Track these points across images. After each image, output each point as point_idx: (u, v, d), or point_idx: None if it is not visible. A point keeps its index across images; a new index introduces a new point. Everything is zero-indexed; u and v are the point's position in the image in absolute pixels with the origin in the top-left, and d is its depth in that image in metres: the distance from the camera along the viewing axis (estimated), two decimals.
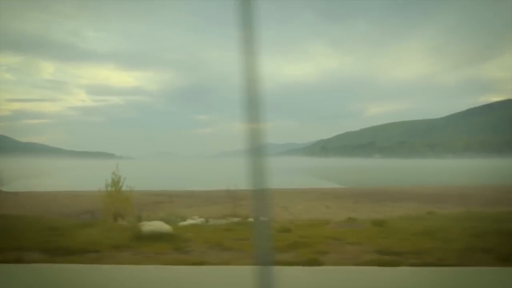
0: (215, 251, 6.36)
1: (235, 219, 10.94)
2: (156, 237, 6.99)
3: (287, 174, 62.58)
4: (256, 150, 2.50)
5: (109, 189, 12.33)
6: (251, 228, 3.11)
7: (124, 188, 12.54)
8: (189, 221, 11.30)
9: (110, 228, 8.42)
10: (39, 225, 8.46)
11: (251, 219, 9.56)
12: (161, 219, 8.89)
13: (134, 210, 11.93)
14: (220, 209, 14.43)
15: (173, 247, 6.51)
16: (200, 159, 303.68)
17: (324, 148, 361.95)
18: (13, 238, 6.70)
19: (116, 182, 12.43)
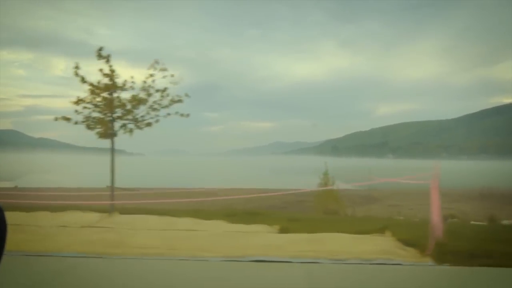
0: None
1: None
2: None
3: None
4: None
5: (321, 187, 12.70)
6: None
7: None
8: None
9: None
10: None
11: None
12: None
13: (345, 207, 11.95)
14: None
15: None
16: (211, 157, 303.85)
17: (335, 147, 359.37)
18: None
19: (326, 180, 12.70)
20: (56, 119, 8.79)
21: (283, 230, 6.81)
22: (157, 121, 8.95)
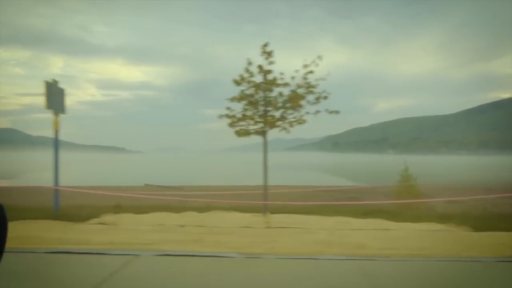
0: None
1: None
2: None
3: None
4: None
5: (401, 183, 12.38)
6: None
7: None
8: None
9: None
10: None
11: None
12: None
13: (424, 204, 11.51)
14: None
15: None
16: (210, 154, 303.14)
17: (335, 143, 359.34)
18: None
19: (407, 177, 12.46)
20: (220, 117, 8.84)
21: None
22: (305, 119, 8.69)
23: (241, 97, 8.52)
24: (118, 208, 8.49)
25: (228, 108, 8.67)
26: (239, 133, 8.70)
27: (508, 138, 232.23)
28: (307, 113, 8.56)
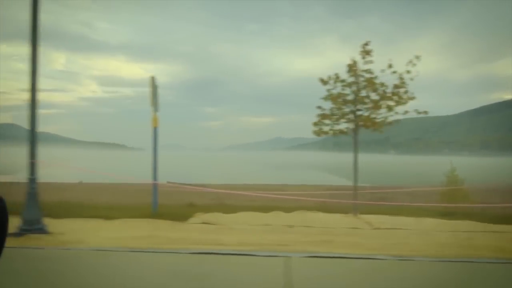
0: None
1: None
2: None
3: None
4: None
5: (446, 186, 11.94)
6: None
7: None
8: None
9: None
10: None
11: None
12: None
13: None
14: None
15: None
16: (210, 152, 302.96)
17: (337, 143, 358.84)
18: None
19: (453, 179, 12.06)
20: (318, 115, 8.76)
21: None
22: (396, 120, 8.69)
23: (338, 96, 8.49)
24: (207, 208, 8.51)
25: (319, 107, 8.68)
26: (317, 133, 8.75)
27: (510, 139, 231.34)
28: (396, 113, 8.54)
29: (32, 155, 6.01)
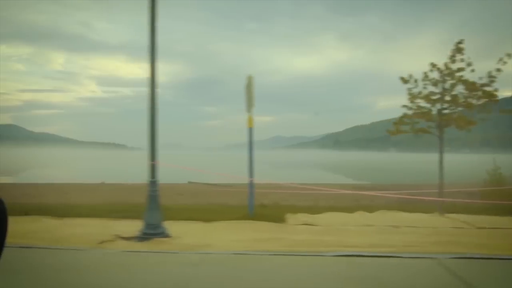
0: None
1: None
2: None
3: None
4: None
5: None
6: None
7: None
8: None
9: None
10: None
11: None
12: None
13: None
14: None
15: None
16: (210, 151, 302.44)
17: (337, 141, 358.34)
18: None
19: (498, 177, 11.69)
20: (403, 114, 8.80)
21: None
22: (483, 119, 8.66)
23: (427, 95, 8.44)
24: (292, 208, 8.47)
25: (405, 106, 8.63)
26: (395, 131, 8.77)
27: (510, 136, 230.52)
28: (480, 112, 8.48)
29: (152, 157, 5.92)
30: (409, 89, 8.60)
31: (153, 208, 5.63)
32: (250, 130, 7.69)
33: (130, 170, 48.35)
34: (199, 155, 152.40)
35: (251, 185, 7.43)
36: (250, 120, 7.64)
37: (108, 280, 3.72)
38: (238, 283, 3.69)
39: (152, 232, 5.49)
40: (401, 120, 8.80)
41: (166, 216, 6.07)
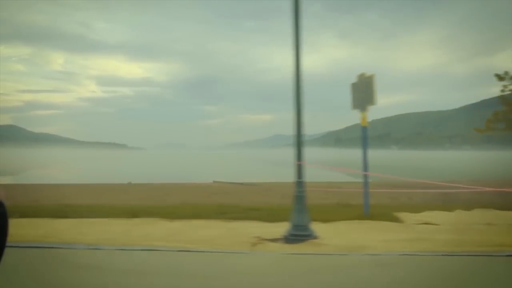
0: None
1: None
2: None
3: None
4: None
5: None
6: None
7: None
8: None
9: None
10: None
11: None
12: None
13: None
14: None
15: None
16: (211, 150, 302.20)
17: (338, 139, 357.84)
18: None
19: None
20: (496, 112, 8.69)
21: None
22: None
23: None
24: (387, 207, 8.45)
25: (501, 95, 8.40)
26: (481, 131, 8.45)
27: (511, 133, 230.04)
28: None
29: (299, 156, 5.84)
30: (504, 86, 8.24)
31: (300, 209, 5.57)
32: (365, 129, 7.88)
33: (144, 170, 47.51)
34: (201, 154, 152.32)
35: (366, 184, 7.45)
36: (364, 119, 7.78)
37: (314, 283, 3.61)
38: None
39: (301, 233, 5.44)
40: (495, 117, 8.41)
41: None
